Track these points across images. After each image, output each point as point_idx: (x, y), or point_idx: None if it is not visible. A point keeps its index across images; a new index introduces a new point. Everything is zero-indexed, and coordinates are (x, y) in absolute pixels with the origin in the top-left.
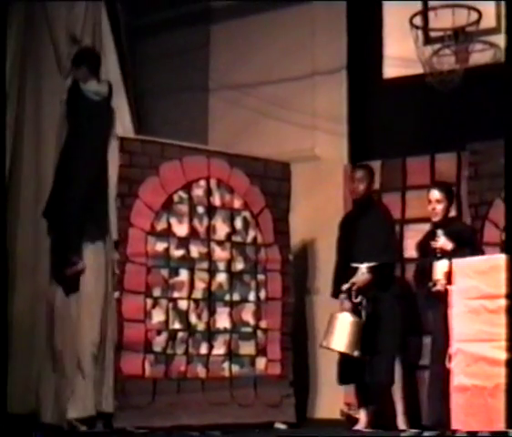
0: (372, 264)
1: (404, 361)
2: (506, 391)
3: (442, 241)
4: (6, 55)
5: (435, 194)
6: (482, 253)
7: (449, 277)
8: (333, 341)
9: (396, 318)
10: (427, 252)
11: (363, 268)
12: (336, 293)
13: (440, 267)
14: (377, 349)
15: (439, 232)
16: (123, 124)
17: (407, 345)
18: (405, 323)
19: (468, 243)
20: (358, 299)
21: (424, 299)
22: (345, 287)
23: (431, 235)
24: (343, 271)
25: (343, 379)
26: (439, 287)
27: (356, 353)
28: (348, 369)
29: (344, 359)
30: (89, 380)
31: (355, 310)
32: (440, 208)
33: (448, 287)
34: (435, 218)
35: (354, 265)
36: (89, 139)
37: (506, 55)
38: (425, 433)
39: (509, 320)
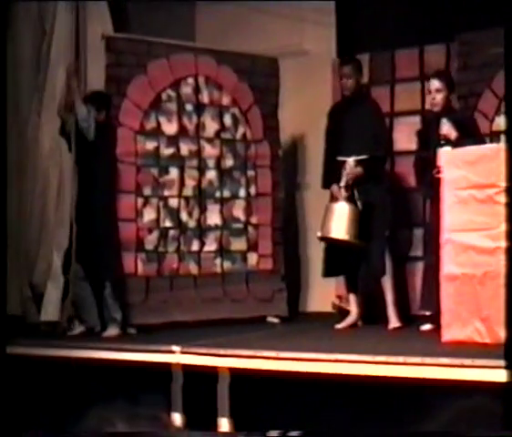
0: (361, 157)
1: (394, 253)
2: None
3: (446, 129)
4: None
5: (435, 83)
6: (484, 143)
7: None
8: (332, 230)
9: (387, 209)
10: (428, 142)
11: (351, 161)
12: (326, 184)
13: (445, 153)
14: (369, 238)
15: (443, 120)
16: (104, 23)
17: (397, 237)
18: (396, 215)
19: (471, 133)
20: (350, 192)
21: (426, 189)
22: (342, 184)
23: (432, 123)
24: (332, 163)
25: (329, 271)
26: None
27: (357, 241)
28: (334, 261)
29: (329, 252)
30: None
31: (349, 200)
32: (440, 97)
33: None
34: (436, 109)
35: (343, 158)
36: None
37: None
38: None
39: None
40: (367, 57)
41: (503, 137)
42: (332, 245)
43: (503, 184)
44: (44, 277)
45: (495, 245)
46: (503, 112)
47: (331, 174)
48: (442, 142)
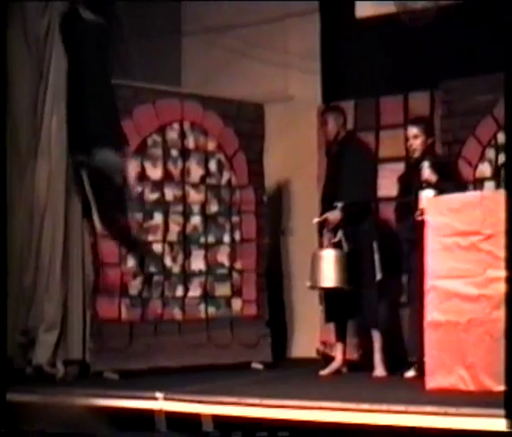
0: (340, 204)
1: (385, 299)
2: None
3: (427, 173)
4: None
5: (412, 130)
6: (465, 188)
7: None
8: (322, 279)
9: (375, 255)
10: (409, 187)
11: (338, 205)
12: (319, 230)
13: (426, 196)
14: (360, 284)
15: (425, 164)
16: None
17: (387, 283)
18: (384, 262)
19: (452, 177)
20: (337, 237)
21: (407, 233)
22: (315, 221)
23: (412, 169)
24: (325, 209)
25: (330, 317)
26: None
27: (348, 287)
28: (334, 306)
29: (329, 297)
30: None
31: (335, 246)
32: (418, 142)
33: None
34: (415, 155)
35: (334, 204)
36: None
37: None
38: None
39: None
40: (352, 104)
41: (486, 184)
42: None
43: (487, 231)
44: (37, 322)
45: (479, 292)
46: (486, 159)
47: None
48: (423, 185)
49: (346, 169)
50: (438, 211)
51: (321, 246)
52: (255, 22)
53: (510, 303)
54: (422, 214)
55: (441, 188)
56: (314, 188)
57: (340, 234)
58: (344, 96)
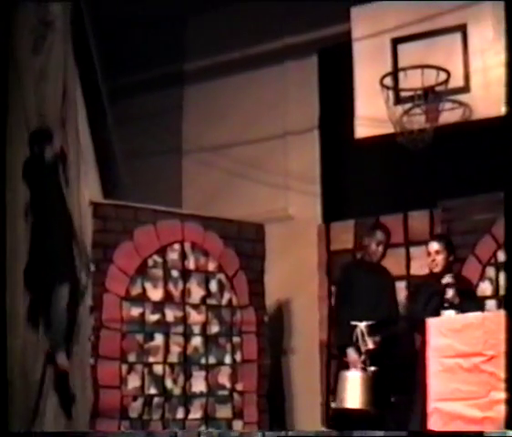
0: (373, 323)
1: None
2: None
3: (451, 294)
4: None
5: (434, 245)
6: (483, 306)
7: None
8: (348, 400)
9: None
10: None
11: (363, 326)
12: (340, 347)
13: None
14: (384, 405)
15: (448, 283)
16: (91, 188)
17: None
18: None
19: (471, 296)
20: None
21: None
22: (369, 347)
23: (423, 286)
24: (346, 325)
25: None
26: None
27: (371, 408)
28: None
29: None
30: None
31: (362, 369)
32: (440, 258)
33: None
34: (436, 269)
35: (354, 323)
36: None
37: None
38: None
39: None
40: (352, 223)
41: (488, 303)
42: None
43: (489, 352)
44: None
45: (483, 415)
46: (487, 277)
47: (344, 335)
48: (445, 305)
49: (372, 287)
50: (439, 332)
51: (346, 366)
52: (255, 140)
53: (510, 307)
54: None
55: (462, 309)
56: (315, 307)
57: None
58: (344, 215)
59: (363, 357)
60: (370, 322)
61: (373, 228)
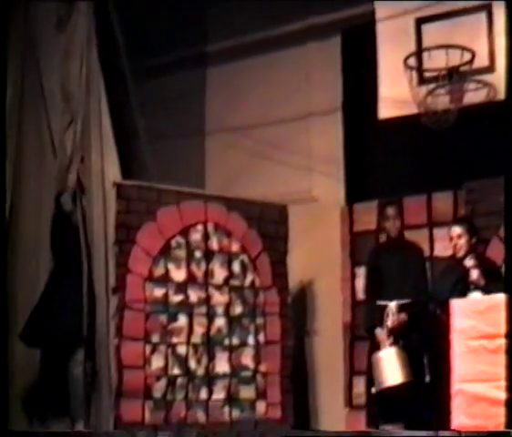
0: (403, 302)
1: None
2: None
3: (476, 276)
4: (7, 64)
5: (456, 230)
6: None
7: None
8: (388, 378)
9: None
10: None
11: (393, 305)
12: (369, 328)
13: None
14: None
15: (471, 265)
16: (113, 171)
17: None
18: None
19: (496, 278)
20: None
21: None
22: (389, 323)
23: (449, 268)
24: (375, 305)
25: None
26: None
27: (412, 378)
28: (389, 406)
29: (383, 399)
30: None
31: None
32: (462, 242)
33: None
34: (459, 254)
35: (384, 302)
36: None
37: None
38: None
39: (509, 359)
40: (375, 204)
41: None
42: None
43: None
44: None
45: (507, 396)
46: None
47: (373, 317)
48: (471, 287)
49: (402, 267)
50: (464, 314)
51: (377, 347)
52: (278, 121)
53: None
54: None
55: (488, 290)
56: (338, 289)
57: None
58: (368, 196)
59: (389, 335)
60: (399, 301)
61: (383, 206)
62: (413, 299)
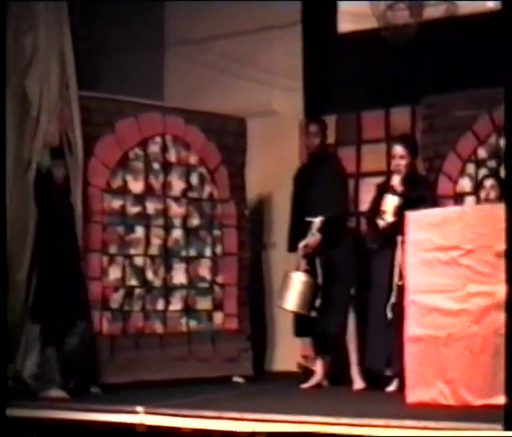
0: (324, 218)
1: (358, 312)
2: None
3: (395, 181)
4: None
5: (398, 149)
6: (435, 204)
7: (397, 212)
8: (287, 301)
9: (350, 270)
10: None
11: (317, 221)
12: (292, 248)
13: (390, 200)
14: (330, 301)
15: (395, 178)
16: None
17: (361, 296)
18: (359, 275)
19: (422, 189)
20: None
21: (372, 241)
22: (300, 248)
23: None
24: (299, 225)
25: (299, 331)
26: (387, 220)
27: (309, 313)
28: (303, 322)
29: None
30: None
31: (310, 269)
32: (403, 163)
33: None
34: (400, 175)
35: (308, 219)
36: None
37: None
38: None
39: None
40: (334, 118)
41: (467, 199)
42: None
43: (467, 246)
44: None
45: (459, 307)
46: (467, 174)
47: (297, 236)
48: (389, 191)
49: (322, 184)
50: (418, 226)
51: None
52: (238, 33)
53: (510, 312)
54: (382, 217)
55: (405, 196)
56: None
57: (317, 262)
58: (326, 111)
59: (305, 255)
60: (319, 218)
61: (307, 123)
62: (328, 214)
